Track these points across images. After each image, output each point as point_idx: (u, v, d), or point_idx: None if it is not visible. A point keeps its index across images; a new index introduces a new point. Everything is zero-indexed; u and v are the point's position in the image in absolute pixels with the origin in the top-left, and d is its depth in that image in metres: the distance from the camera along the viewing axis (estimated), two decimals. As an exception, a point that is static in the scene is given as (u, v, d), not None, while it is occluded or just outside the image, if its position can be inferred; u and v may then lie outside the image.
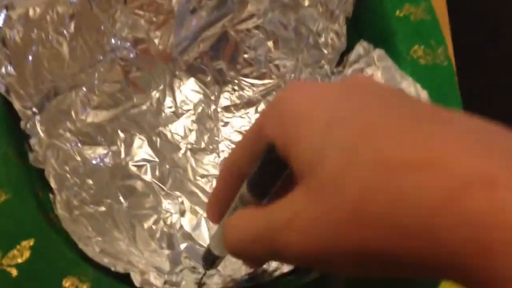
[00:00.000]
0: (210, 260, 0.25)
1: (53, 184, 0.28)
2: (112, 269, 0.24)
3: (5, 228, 0.23)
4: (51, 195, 0.27)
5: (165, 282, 0.27)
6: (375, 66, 0.30)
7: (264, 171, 0.18)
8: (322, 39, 0.36)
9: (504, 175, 0.12)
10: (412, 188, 0.13)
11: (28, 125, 0.28)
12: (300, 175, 0.16)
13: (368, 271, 0.15)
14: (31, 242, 0.23)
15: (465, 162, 0.12)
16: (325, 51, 0.36)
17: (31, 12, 0.29)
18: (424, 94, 0.26)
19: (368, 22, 0.32)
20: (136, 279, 0.24)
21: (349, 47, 0.34)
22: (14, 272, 0.22)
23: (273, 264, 0.29)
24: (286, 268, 0.27)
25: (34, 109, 0.29)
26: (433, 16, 0.30)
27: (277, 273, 0.27)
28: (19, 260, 0.23)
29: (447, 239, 0.12)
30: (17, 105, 0.28)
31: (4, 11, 0.27)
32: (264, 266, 0.27)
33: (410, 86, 0.27)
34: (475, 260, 0.12)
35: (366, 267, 0.14)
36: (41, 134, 0.29)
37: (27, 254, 0.23)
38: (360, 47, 0.31)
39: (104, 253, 0.27)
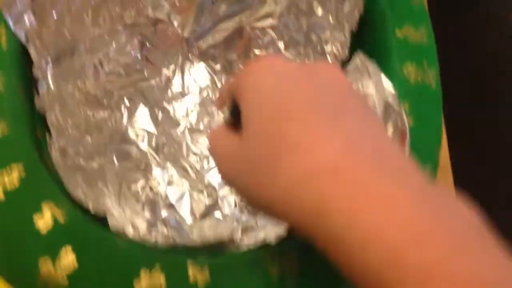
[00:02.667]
0: None
1: (52, 131, 0.31)
2: (92, 211, 0.27)
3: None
4: (48, 140, 0.30)
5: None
6: (369, 78, 0.32)
7: (235, 109, 0.23)
8: (328, 48, 0.38)
9: (344, 165, 0.16)
10: (284, 167, 0.18)
11: (40, 73, 0.31)
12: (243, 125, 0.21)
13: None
14: (20, 166, 0.25)
15: (320, 154, 0.17)
16: (329, 59, 0.38)
17: (62, -27, 0.31)
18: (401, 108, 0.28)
19: (369, 36, 0.34)
20: (111, 222, 0.26)
21: (349, 57, 0.36)
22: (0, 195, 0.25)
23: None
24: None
25: (49, 60, 0.32)
26: (431, 41, 0.32)
27: None
28: (6, 179, 0.25)
29: (301, 208, 0.17)
30: (33, 53, 0.30)
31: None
32: None
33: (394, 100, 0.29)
34: (317, 220, 0.16)
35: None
36: (51, 84, 0.32)
37: (15, 177, 0.25)
38: (357, 58, 0.33)
39: (87, 198, 0.29)
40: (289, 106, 0.18)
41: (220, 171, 0.22)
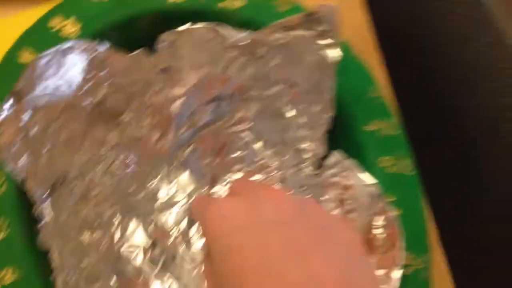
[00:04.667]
0: None
1: (54, 265, 0.31)
2: None
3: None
4: (51, 277, 0.30)
5: None
6: (350, 171, 0.35)
7: None
8: (304, 145, 0.41)
9: None
10: None
11: (38, 210, 0.32)
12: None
13: None
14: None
15: None
16: (306, 156, 0.41)
17: (51, 113, 0.33)
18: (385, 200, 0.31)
19: (343, 134, 0.37)
20: None
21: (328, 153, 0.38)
22: None
23: None
24: None
25: (45, 194, 0.33)
26: (400, 132, 0.35)
27: None
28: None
29: None
30: (31, 191, 0.31)
31: (30, 112, 0.31)
32: None
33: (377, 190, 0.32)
34: None
35: None
36: (49, 217, 0.33)
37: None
38: (335, 155, 0.36)
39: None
40: (240, 261, 0.21)
41: None
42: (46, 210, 0.33)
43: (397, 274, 0.29)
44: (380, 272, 0.29)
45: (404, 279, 0.30)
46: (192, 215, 0.27)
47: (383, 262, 0.29)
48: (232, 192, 0.27)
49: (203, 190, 0.45)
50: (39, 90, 0.33)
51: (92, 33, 0.38)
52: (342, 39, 0.36)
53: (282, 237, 0.21)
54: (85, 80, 0.37)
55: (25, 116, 0.32)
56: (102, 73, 0.38)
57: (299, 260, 0.20)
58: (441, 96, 0.49)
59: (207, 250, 0.25)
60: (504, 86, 0.41)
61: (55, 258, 0.32)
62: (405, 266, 0.30)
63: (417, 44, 0.54)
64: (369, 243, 0.31)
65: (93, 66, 0.37)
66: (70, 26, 0.36)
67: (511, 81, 0.40)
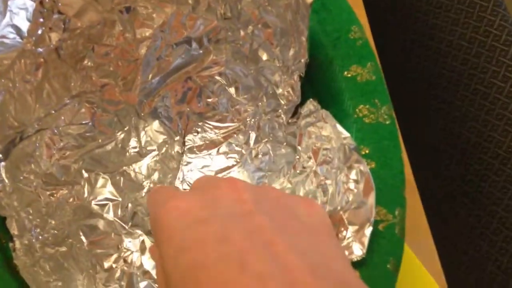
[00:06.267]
0: None
1: (14, 231, 0.30)
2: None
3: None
4: (10, 244, 0.28)
5: None
6: (324, 122, 0.33)
7: None
8: (280, 90, 0.38)
9: None
10: None
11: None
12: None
13: None
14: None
15: None
16: (282, 102, 0.38)
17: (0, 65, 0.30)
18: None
19: (320, 80, 0.34)
20: None
21: (304, 100, 0.36)
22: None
23: None
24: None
25: (0, 156, 0.31)
26: (379, 76, 0.33)
27: None
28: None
29: None
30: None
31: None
32: None
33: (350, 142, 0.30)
34: None
35: None
36: (6, 180, 0.31)
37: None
38: (311, 105, 0.33)
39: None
40: (200, 255, 0.19)
41: None
42: (2, 173, 0.31)
43: (368, 231, 0.28)
44: (352, 228, 0.28)
45: (377, 234, 0.29)
46: (147, 204, 0.25)
47: (354, 218, 0.28)
48: (193, 189, 0.24)
49: (176, 139, 0.42)
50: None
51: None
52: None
53: (244, 228, 0.19)
54: (36, 25, 0.33)
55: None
56: (55, 16, 0.35)
57: (265, 250, 0.18)
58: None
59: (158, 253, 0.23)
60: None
61: (15, 222, 0.30)
62: (378, 222, 0.29)
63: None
64: (343, 198, 0.30)
65: (44, 8, 0.34)
66: (14, -36, 0.32)
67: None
